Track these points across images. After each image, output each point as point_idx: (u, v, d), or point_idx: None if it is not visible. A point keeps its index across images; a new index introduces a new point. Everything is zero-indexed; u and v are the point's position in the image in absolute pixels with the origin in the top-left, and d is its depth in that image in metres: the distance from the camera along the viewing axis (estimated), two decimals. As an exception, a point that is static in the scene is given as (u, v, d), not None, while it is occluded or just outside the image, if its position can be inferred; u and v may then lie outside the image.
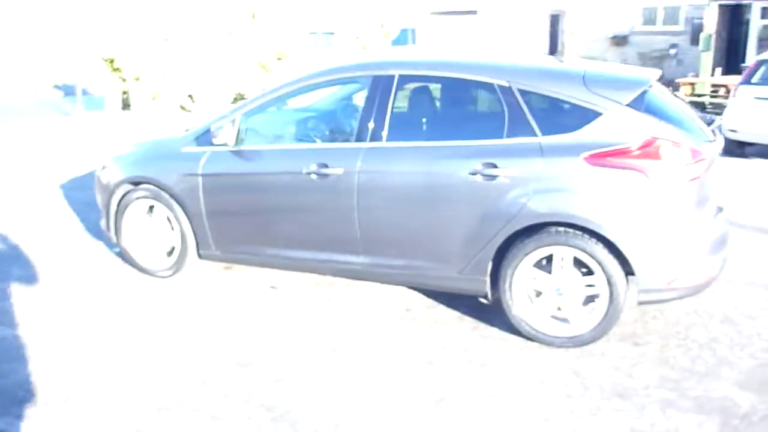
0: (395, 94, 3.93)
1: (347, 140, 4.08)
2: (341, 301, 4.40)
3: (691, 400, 3.19)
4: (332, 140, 4.25)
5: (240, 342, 3.83)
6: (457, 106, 4.21)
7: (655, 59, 20.80)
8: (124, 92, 14.15)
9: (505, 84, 3.71)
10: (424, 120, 4.18)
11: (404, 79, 3.97)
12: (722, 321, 4.03)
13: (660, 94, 3.80)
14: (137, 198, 4.67)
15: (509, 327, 3.89)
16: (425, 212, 3.85)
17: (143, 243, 4.79)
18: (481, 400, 3.22)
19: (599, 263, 3.50)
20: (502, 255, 3.73)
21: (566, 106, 3.62)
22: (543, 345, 3.73)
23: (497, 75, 3.76)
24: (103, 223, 5.00)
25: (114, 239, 4.91)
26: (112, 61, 13.66)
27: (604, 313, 3.56)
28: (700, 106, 14.14)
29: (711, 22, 15.56)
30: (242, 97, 16.24)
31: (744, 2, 16.72)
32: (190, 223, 4.52)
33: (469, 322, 4.07)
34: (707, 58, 15.74)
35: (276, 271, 4.73)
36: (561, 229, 3.57)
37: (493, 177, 3.63)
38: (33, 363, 3.58)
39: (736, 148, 9.13)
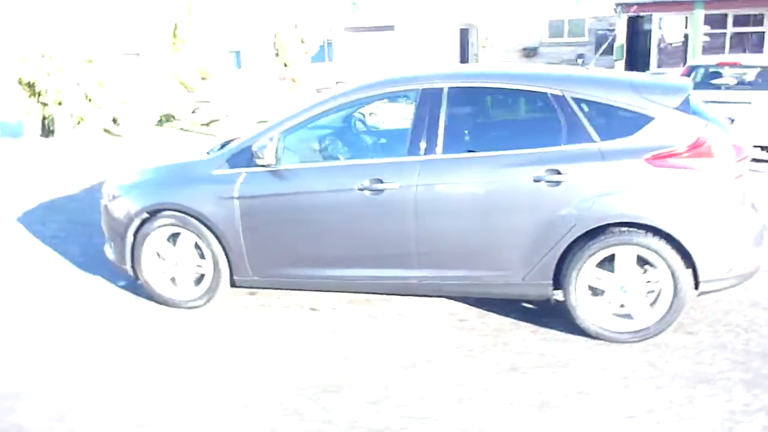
0: (446, 107, 3.97)
1: (400, 154, 4.06)
2: (387, 317, 4.35)
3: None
4: (383, 155, 4.21)
5: (314, 367, 3.71)
6: (510, 116, 4.30)
7: (564, 69, 22.02)
8: (45, 117, 13.26)
9: (559, 93, 3.85)
10: (477, 131, 4.24)
11: (453, 92, 4.02)
12: (751, 305, 4.33)
13: (695, 99, 4.07)
14: (160, 226, 4.42)
15: (566, 328, 4.01)
16: (487, 221, 3.90)
17: (167, 273, 4.53)
18: (582, 400, 3.30)
19: (663, 259, 3.68)
20: (564, 258, 3.84)
21: (620, 112, 3.79)
22: (608, 342, 3.86)
23: (550, 84, 3.89)
24: (113, 256, 4.69)
25: (130, 272, 4.61)
26: (31, 85, 12.77)
27: (668, 306, 3.75)
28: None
29: (622, 33, 16.68)
30: (170, 119, 15.70)
31: (644, 14, 18.05)
32: (224, 248, 4.33)
33: (525, 327, 4.15)
34: (620, 67, 16.86)
35: (305, 293, 4.63)
36: (624, 228, 3.72)
37: (557, 183, 3.74)
38: None
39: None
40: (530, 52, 23.03)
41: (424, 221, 3.96)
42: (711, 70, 10.06)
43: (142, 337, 4.17)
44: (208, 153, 4.64)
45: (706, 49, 16.15)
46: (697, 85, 9.76)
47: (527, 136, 4.01)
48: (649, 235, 3.69)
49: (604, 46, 11.95)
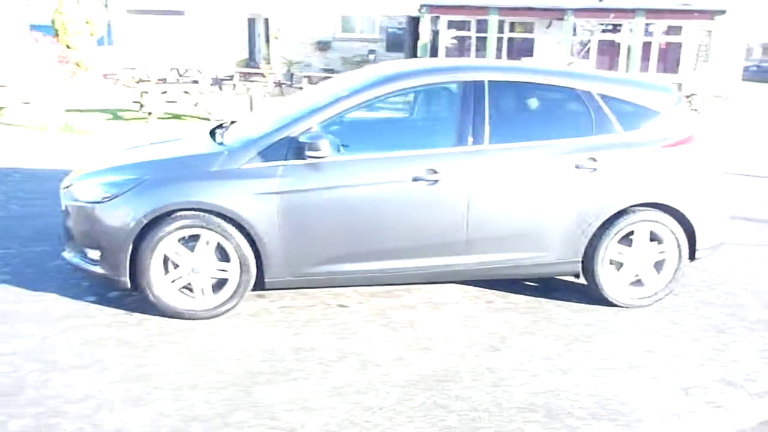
0: (489, 99, 4.16)
1: (448, 144, 4.14)
2: (425, 306, 4.40)
3: (760, 323, 4.28)
4: (431, 146, 4.22)
5: (408, 361, 3.66)
6: (545, 109, 4.59)
7: (357, 64, 22.94)
8: None
9: (587, 90, 4.29)
10: (517, 122, 4.45)
11: (493, 85, 4.22)
12: (725, 272, 5.22)
13: None
14: (177, 228, 3.91)
15: (584, 299, 4.51)
16: (532, 207, 4.20)
17: (180, 282, 4.02)
18: (650, 357, 3.79)
19: (672, 233, 4.34)
20: (594, 236, 4.30)
21: (636, 107, 4.35)
22: (627, 308, 4.43)
23: (580, 82, 4.31)
24: (101, 267, 4.01)
25: (127, 285, 3.99)
26: None
27: (673, 273, 4.42)
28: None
29: (426, 32, 17.95)
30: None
31: (436, 15, 19.64)
32: (255, 248, 3.99)
33: (548, 302, 4.54)
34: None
35: (324, 290, 4.48)
36: (644, 208, 4.31)
37: (594, 169, 4.19)
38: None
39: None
40: (324, 46, 23.52)
41: (475, 209, 4.12)
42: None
43: (185, 357, 3.67)
44: (221, 143, 4.20)
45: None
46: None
47: (563, 128, 4.37)
48: (663, 212, 4.32)
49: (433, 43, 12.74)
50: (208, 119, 13.08)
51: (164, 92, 13.21)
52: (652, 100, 4.40)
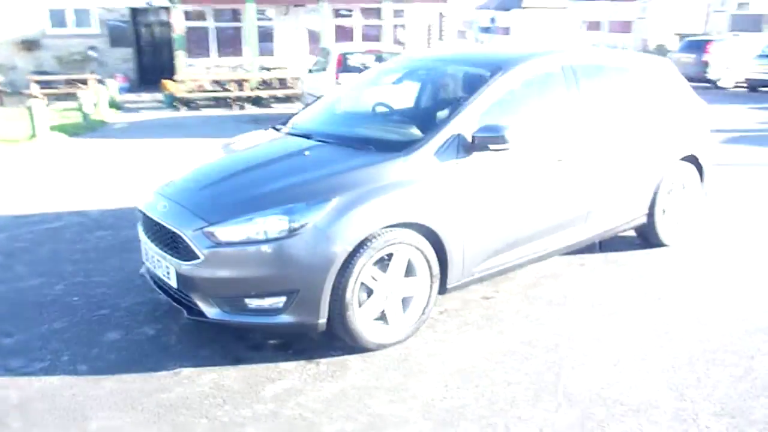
0: (582, 84, 4.52)
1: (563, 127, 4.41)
2: (592, 266, 4.72)
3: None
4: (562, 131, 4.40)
5: (653, 330, 3.91)
6: (616, 89, 4.94)
7: (76, 62, 20.37)
8: None
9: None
10: (606, 104, 4.73)
11: (581, 69, 4.58)
12: None
13: None
14: (377, 251, 3.47)
15: (635, 247, 5.24)
16: (631, 178, 4.77)
17: (376, 309, 3.61)
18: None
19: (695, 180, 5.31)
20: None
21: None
22: (668, 247, 5.28)
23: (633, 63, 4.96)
24: (292, 317, 3.39)
25: (322, 328, 3.44)
26: None
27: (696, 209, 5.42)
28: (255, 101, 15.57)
29: (180, 24, 16.65)
30: None
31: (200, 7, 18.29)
32: (441, 255, 3.77)
33: (617, 255, 5.15)
34: (182, 56, 16.82)
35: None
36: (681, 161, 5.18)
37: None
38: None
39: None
40: (32, 45, 20.10)
41: (594, 185, 4.51)
42: (357, 55, 11.85)
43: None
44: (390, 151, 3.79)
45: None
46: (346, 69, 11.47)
47: (634, 104, 4.93)
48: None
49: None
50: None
51: None
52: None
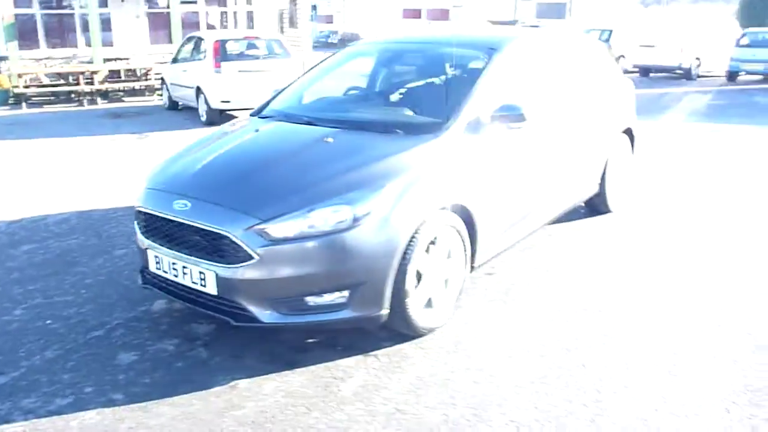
0: (555, 61, 4.81)
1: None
2: (583, 249, 4.88)
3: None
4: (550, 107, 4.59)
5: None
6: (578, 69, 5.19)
7: None
8: None
9: None
10: (574, 83, 4.99)
11: (553, 48, 4.84)
12: None
13: None
14: (428, 235, 3.42)
15: (581, 215, 5.68)
16: (594, 150, 5.10)
17: (425, 295, 3.55)
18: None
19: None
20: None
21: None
22: (612, 213, 5.78)
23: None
24: (356, 311, 3.23)
25: (384, 318, 3.33)
26: None
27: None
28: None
29: (8, 11, 14.60)
30: None
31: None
32: (472, 234, 3.80)
33: (585, 222, 5.53)
34: (14, 47, 14.76)
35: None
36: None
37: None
38: None
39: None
40: None
41: (574, 156, 4.82)
42: (232, 42, 11.29)
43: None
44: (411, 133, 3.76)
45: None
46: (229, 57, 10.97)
47: (591, 82, 5.27)
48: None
49: None
50: None
51: None
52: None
